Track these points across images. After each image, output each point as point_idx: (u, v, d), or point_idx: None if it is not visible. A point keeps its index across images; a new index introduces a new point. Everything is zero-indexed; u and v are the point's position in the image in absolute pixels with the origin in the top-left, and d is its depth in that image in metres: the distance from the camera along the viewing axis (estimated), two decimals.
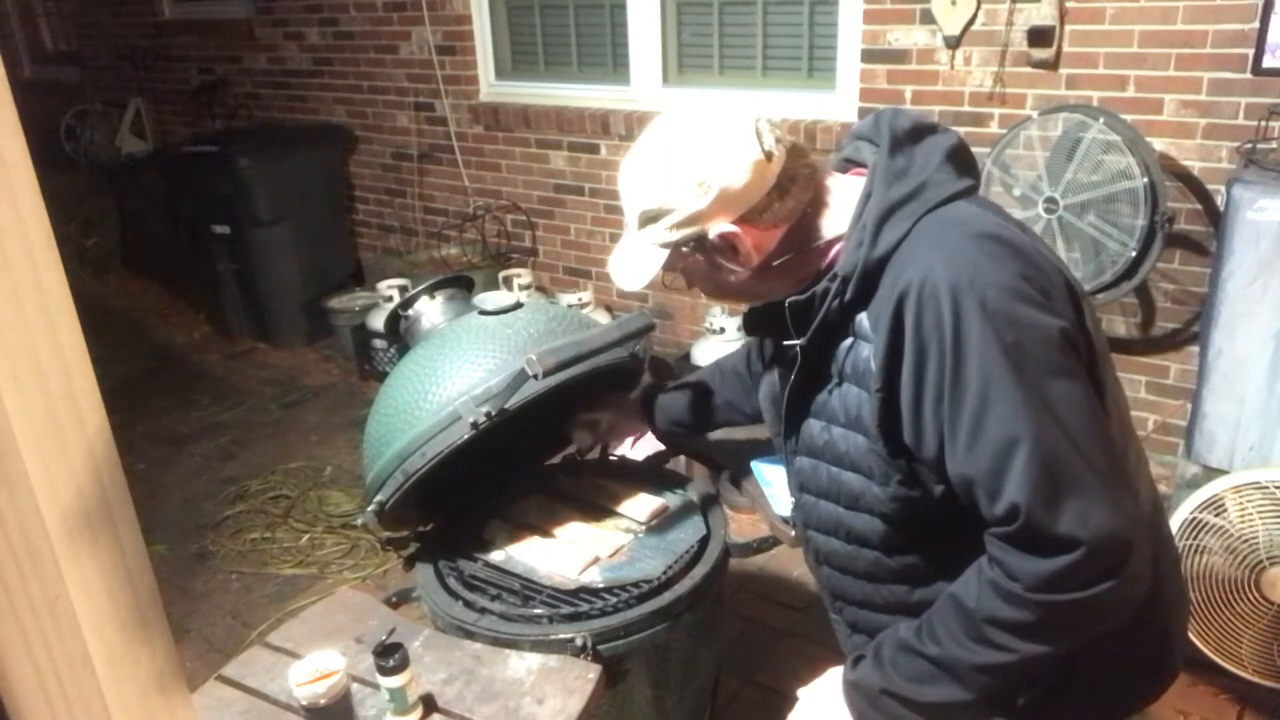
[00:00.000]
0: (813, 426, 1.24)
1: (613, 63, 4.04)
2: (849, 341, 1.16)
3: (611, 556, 1.73)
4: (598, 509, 1.86)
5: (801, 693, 1.31)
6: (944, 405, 1.04)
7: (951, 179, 1.14)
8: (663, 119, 1.21)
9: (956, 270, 1.03)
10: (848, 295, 1.12)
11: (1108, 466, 1.03)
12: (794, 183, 1.17)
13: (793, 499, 1.36)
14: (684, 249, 1.19)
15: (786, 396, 1.25)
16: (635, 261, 1.23)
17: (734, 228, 1.16)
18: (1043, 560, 1.01)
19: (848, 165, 1.27)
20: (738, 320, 3.62)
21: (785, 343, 1.21)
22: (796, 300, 1.17)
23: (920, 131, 1.19)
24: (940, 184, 1.13)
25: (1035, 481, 0.99)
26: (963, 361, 1.02)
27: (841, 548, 1.28)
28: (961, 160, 1.18)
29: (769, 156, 1.14)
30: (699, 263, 1.22)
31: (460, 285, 2.05)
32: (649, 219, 1.19)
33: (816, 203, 1.19)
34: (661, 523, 1.82)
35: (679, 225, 1.17)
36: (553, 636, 1.53)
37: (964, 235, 1.08)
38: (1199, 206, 2.84)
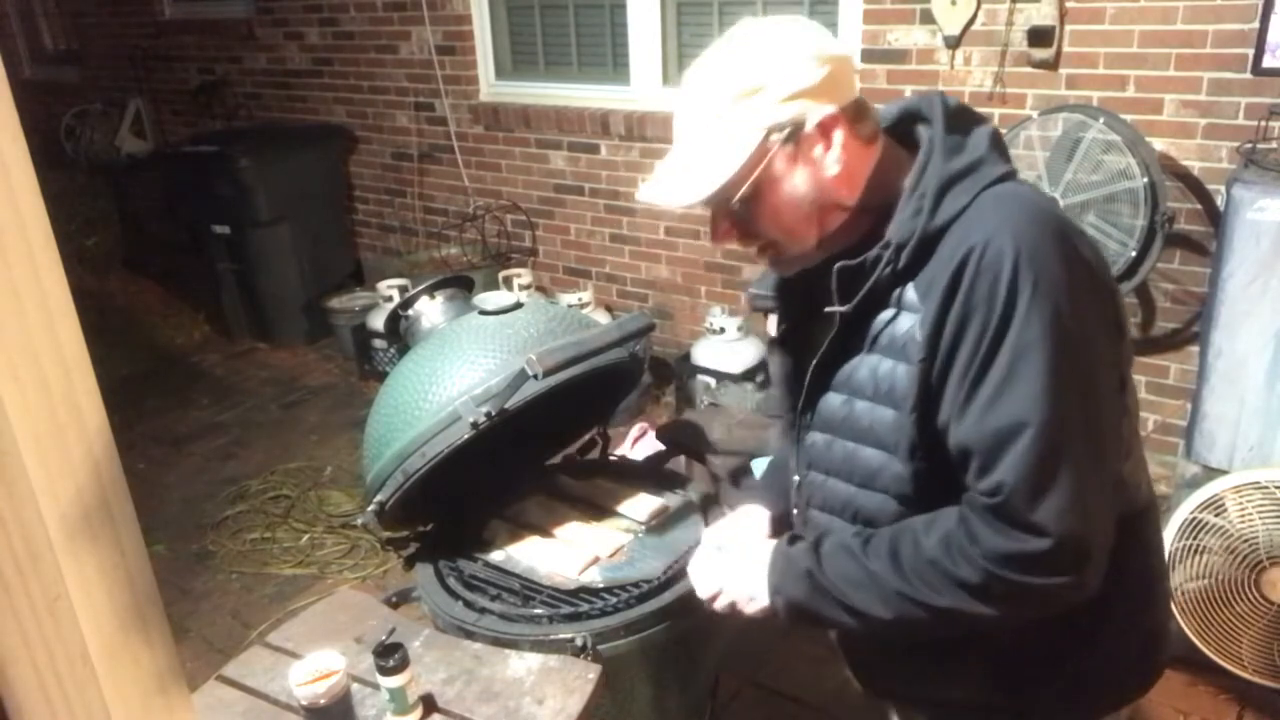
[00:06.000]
0: (832, 400, 1.21)
1: (613, 63, 4.04)
2: (889, 313, 1.13)
3: (611, 556, 1.73)
4: (598, 509, 1.86)
5: (735, 542, 1.33)
6: (968, 376, 1.04)
7: (1000, 162, 1.14)
8: (737, 27, 1.13)
9: (1020, 244, 1.02)
10: (900, 263, 1.09)
11: (1103, 470, 1.05)
12: (868, 116, 1.14)
13: (797, 478, 1.32)
14: (777, 135, 1.09)
15: (813, 368, 1.21)
16: (703, 161, 1.11)
17: (836, 113, 1.10)
18: (1008, 538, 1.02)
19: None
20: (738, 321, 3.63)
21: (827, 309, 1.15)
22: (847, 265, 1.12)
23: (967, 114, 1.18)
24: (994, 162, 1.12)
25: (1029, 469, 1.00)
26: (1003, 337, 1.01)
27: (845, 529, 1.25)
28: (1002, 147, 1.18)
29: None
30: (783, 158, 1.11)
31: (460, 285, 2.06)
32: (746, 95, 1.08)
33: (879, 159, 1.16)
34: (661, 523, 1.82)
35: (785, 100, 1.08)
36: (553, 636, 1.53)
37: (1026, 213, 1.07)
38: (1199, 206, 2.84)
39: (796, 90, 1.08)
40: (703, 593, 1.34)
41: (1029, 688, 1.21)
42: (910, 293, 1.10)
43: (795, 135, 1.09)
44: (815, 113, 1.09)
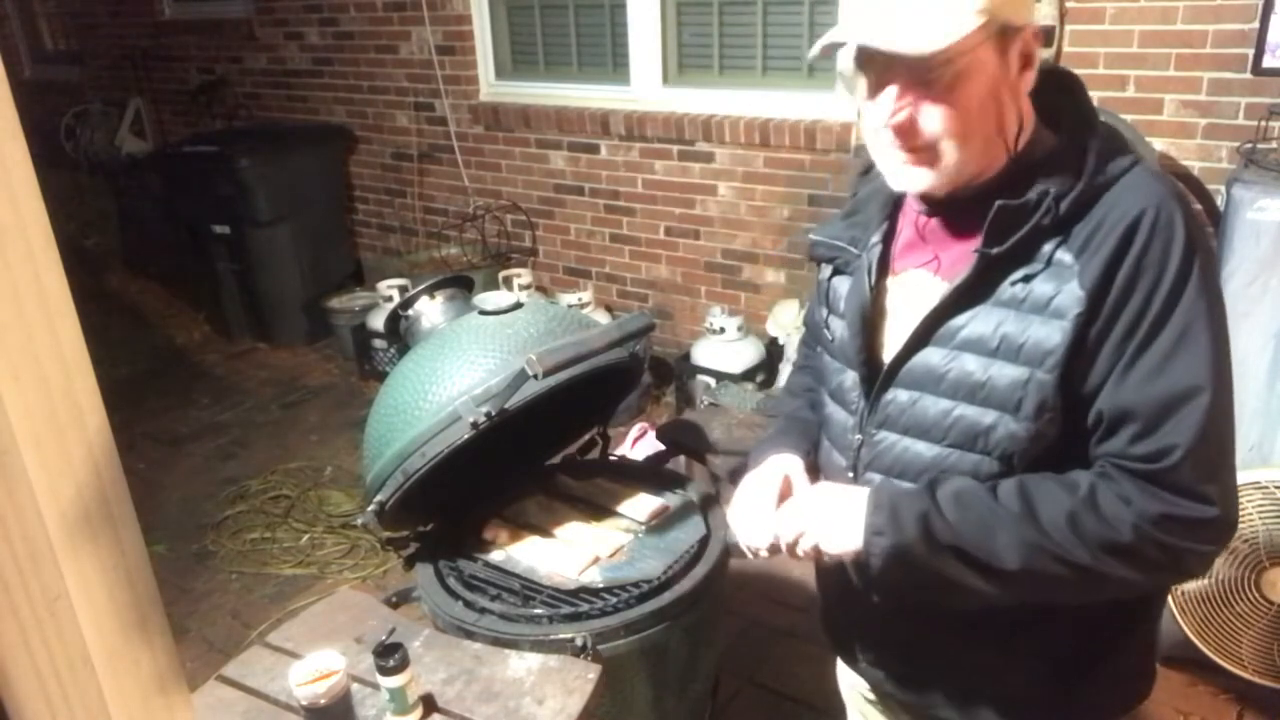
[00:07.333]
0: (931, 356, 1.14)
1: (613, 63, 4.04)
2: (1032, 269, 1.08)
3: (611, 556, 1.73)
4: (598, 509, 1.86)
5: (821, 487, 1.23)
6: (1134, 337, 1.02)
7: None
8: None
9: (1188, 217, 1.04)
10: (1061, 211, 1.06)
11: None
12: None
13: (859, 437, 1.23)
14: (992, 24, 1.03)
15: (928, 317, 1.14)
16: (932, 13, 1.02)
17: (1038, 31, 1.09)
18: (1164, 502, 1.01)
19: None
20: (738, 321, 3.64)
21: (977, 249, 1.09)
22: (1008, 204, 1.07)
23: None
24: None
25: (1204, 434, 1.00)
26: (1176, 301, 1.01)
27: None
28: None
29: None
30: (991, 53, 1.05)
31: (460, 285, 2.06)
32: None
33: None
34: (661, 523, 1.82)
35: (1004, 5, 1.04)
36: (553, 636, 1.53)
37: (1180, 194, 1.07)
38: (1199, 206, 2.84)
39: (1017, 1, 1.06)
40: (783, 533, 1.20)
41: (1080, 679, 1.20)
42: (1062, 253, 1.06)
43: (1007, 35, 1.05)
44: (1023, 20, 1.07)
